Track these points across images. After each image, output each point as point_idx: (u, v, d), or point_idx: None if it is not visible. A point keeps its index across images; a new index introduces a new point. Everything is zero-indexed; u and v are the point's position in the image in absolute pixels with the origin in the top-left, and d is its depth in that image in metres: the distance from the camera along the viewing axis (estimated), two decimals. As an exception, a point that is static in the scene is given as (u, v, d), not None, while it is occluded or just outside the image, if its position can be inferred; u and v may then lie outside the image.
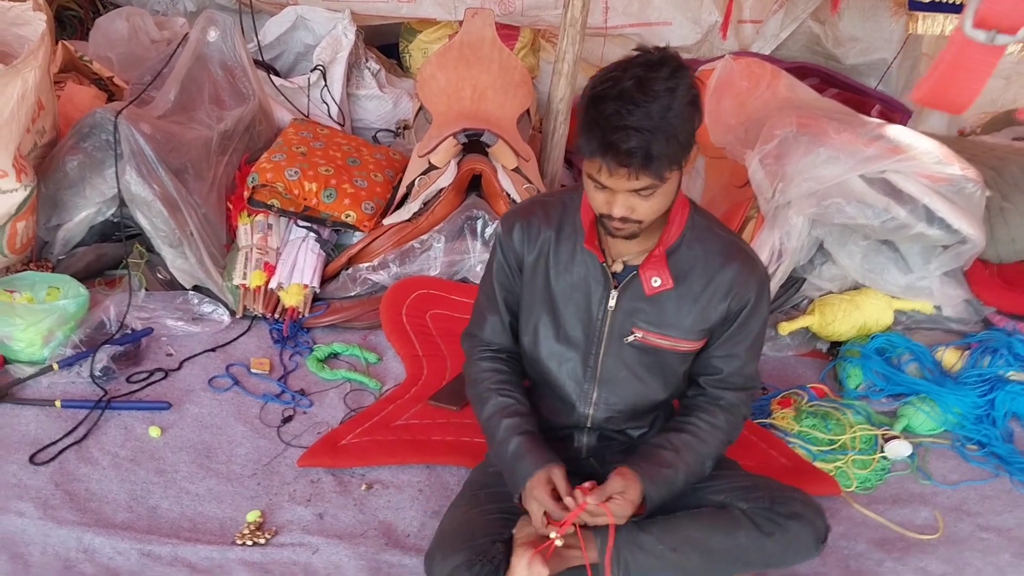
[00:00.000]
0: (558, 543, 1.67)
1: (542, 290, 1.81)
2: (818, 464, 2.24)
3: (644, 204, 1.60)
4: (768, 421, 2.39)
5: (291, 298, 2.64)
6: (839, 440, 2.29)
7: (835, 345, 2.71)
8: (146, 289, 2.64)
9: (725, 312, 1.75)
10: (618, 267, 1.76)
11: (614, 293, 1.75)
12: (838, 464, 2.24)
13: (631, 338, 1.77)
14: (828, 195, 2.51)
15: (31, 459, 2.05)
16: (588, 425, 1.86)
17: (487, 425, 1.83)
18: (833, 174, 2.51)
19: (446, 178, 2.71)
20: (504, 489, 1.86)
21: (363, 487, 2.08)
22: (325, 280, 2.75)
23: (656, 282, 1.72)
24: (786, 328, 2.66)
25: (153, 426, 2.18)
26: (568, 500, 1.68)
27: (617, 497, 1.69)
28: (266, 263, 2.71)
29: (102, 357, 2.32)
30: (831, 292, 2.72)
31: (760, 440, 2.31)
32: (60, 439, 2.11)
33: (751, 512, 1.77)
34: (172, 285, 2.68)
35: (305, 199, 2.76)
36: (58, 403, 2.20)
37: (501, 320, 1.89)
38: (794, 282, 2.75)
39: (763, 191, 2.62)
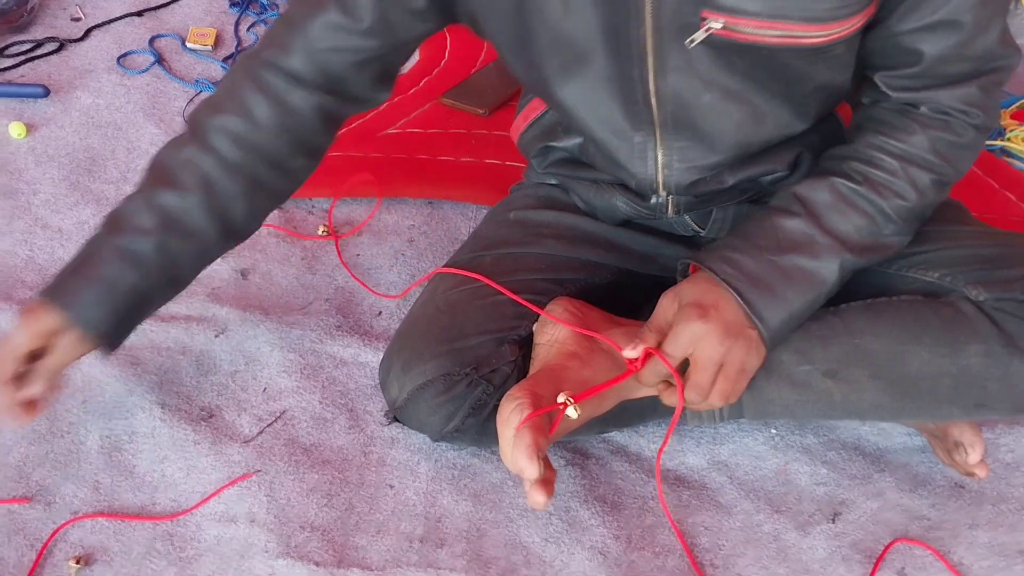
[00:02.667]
0: (572, 415, 0.86)
1: None
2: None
3: None
4: (998, 144, 1.45)
5: (258, -62, 1.75)
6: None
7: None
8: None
9: None
10: None
11: None
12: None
13: (701, 35, 0.83)
14: None
15: None
16: (661, 194, 0.99)
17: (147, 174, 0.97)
18: None
19: None
20: (535, 250, 1.05)
21: (321, 229, 1.29)
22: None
23: None
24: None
25: (16, 122, 1.42)
26: None
27: (671, 340, 0.86)
28: None
29: (-45, 16, 1.54)
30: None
31: (986, 174, 1.38)
32: None
33: (995, 307, 0.91)
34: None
35: None
36: None
37: (345, 14, 0.91)
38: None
39: None
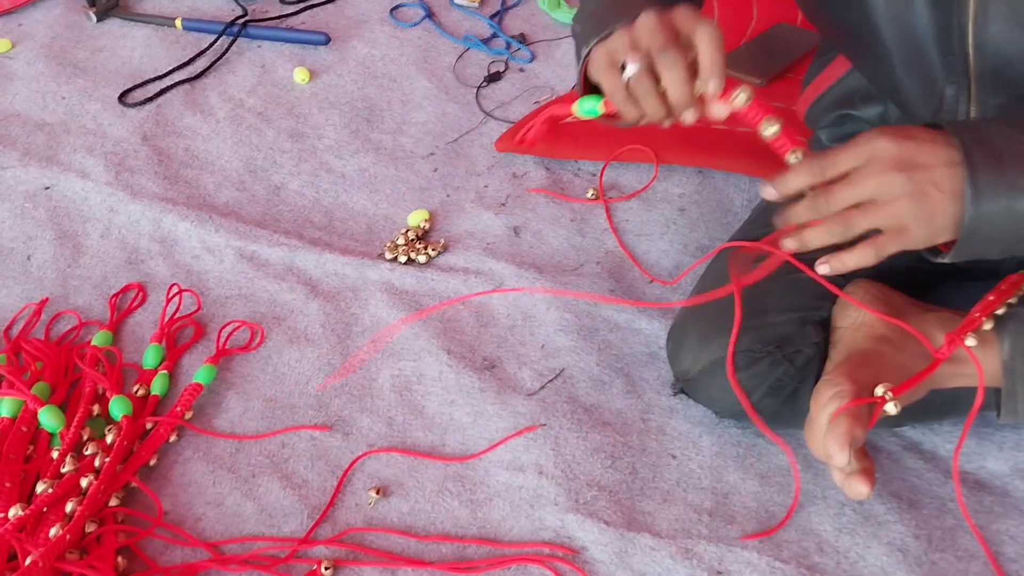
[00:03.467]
0: (891, 410, 0.83)
1: None
2: None
3: None
4: None
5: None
6: None
7: None
8: None
9: None
10: None
11: None
12: None
13: None
14: None
15: (122, 97, 1.43)
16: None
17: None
18: None
19: None
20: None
21: (590, 193, 1.30)
22: None
23: None
24: None
25: (300, 67, 1.48)
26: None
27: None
28: None
29: (245, -38, 1.62)
30: None
31: None
32: (169, 72, 1.47)
33: None
34: None
35: None
36: (179, 22, 1.55)
37: None
38: None
39: None
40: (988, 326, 0.87)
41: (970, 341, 0.85)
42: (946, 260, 0.79)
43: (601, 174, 1.32)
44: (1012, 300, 0.91)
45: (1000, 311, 0.89)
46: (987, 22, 0.81)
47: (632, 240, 1.24)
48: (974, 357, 0.85)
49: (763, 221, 1.08)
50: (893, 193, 0.74)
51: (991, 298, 0.90)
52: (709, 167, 1.31)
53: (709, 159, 1.31)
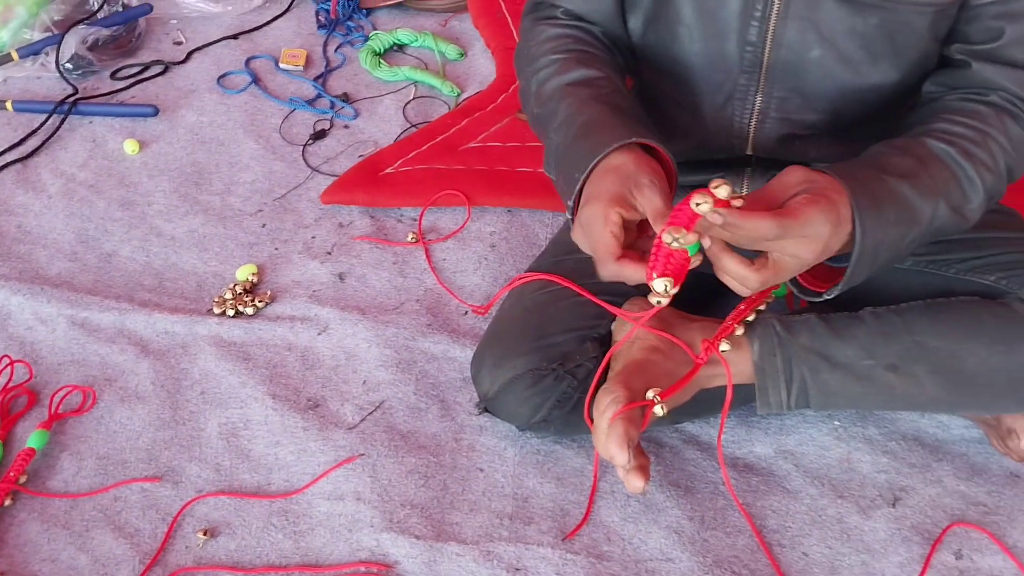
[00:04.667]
0: (659, 412, 0.95)
1: None
2: None
3: None
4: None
5: (344, -35, 1.87)
6: None
7: None
8: (154, -46, 1.93)
9: None
10: None
11: None
12: None
13: None
14: None
15: (-48, 181, 1.47)
16: (749, 151, 1.06)
17: (543, 103, 1.00)
18: None
19: None
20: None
21: (409, 237, 1.39)
22: (393, -60, 1.95)
23: None
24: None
25: (130, 139, 1.55)
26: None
27: (795, 205, 0.82)
28: (313, -85, 1.93)
29: (72, 42, 1.67)
30: None
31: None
32: (1, 153, 1.52)
33: (1049, 306, 0.97)
34: (190, -51, 1.96)
35: None
36: (9, 104, 1.59)
37: None
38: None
39: None
40: (740, 332, 1.00)
41: (724, 347, 0.97)
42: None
43: (420, 219, 1.42)
44: (761, 308, 1.04)
45: (750, 318, 1.02)
46: (787, 18, 0.93)
47: (449, 277, 1.34)
48: (724, 360, 0.97)
49: (555, 251, 1.19)
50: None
51: (742, 307, 1.03)
52: (516, 206, 1.43)
53: (516, 199, 1.43)
